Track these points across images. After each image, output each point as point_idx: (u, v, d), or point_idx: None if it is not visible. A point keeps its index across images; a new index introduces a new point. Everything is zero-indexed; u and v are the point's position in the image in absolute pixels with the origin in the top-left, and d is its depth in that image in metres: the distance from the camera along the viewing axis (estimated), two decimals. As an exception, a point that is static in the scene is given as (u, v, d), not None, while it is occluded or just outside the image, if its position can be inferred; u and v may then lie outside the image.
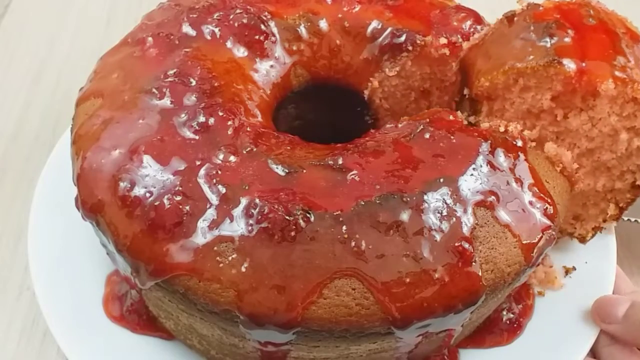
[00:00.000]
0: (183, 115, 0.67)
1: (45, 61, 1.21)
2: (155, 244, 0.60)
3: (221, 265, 0.59)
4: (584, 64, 0.64)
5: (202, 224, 0.60)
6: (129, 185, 0.62)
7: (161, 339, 0.76)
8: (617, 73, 0.64)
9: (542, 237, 0.63)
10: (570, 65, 0.64)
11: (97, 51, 0.83)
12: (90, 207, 0.64)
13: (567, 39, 0.67)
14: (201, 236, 0.60)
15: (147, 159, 0.64)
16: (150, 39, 0.76)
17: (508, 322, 0.77)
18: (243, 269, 0.58)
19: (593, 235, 0.79)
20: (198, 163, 0.63)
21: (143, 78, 0.72)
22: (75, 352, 0.72)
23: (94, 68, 0.77)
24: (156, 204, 0.61)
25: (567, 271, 0.82)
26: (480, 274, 0.60)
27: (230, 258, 0.58)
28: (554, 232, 0.65)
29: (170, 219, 0.60)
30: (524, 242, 0.63)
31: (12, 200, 0.97)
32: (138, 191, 0.62)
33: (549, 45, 0.66)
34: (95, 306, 0.77)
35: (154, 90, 0.69)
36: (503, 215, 0.62)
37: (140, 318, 0.76)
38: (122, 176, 0.63)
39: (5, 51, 1.22)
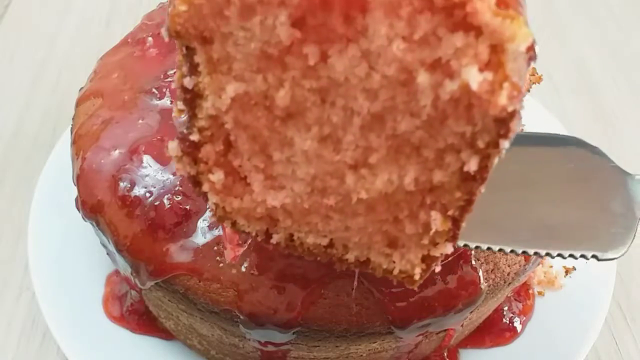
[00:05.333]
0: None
1: (45, 61, 1.21)
2: (155, 244, 0.60)
3: (221, 265, 0.59)
4: None
5: (202, 223, 0.60)
6: (129, 185, 0.62)
7: (161, 339, 0.76)
8: None
9: (542, 237, 0.63)
10: None
11: (97, 51, 0.83)
12: (90, 207, 0.64)
13: None
14: (201, 236, 0.60)
15: (147, 159, 0.64)
16: (150, 39, 0.76)
17: (508, 322, 0.77)
18: (243, 269, 0.58)
19: (425, 272, 0.47)
20: (198, 163, 0.63)
21: (143, 78, 0.72)
22: (75, 352, 0.72)
23: (94, 68, 0.77)
24: (156, 203, 0.61)
25: (567, 271, 0.82)
26: (480, 273, 0.60)
27: (230, 258, 0.58)
28: (554, 232, 0.65)
29: (170, 218, 0.60)
30: (524, 242, 0.63)
31: (12, 200, 0.97)
32: (138, 191, 0.62)
33: None
34: (95, 306, 0.77)
35: (154, 90, 0.70)
36: (503, 215, 0.62)
37: (140, 318, 0.76)
38: (122, 176, 0.63)
39: (5, 51, 1.22)
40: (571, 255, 0.53)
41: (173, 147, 0.46)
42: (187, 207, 0.60)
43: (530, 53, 0.35)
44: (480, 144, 0.38)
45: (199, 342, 0.72)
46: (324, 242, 0.49)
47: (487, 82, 0.35)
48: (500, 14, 0.33)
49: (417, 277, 0.47)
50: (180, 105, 0.45)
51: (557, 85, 1.20)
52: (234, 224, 0.49)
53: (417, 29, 0.36)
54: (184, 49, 0.42)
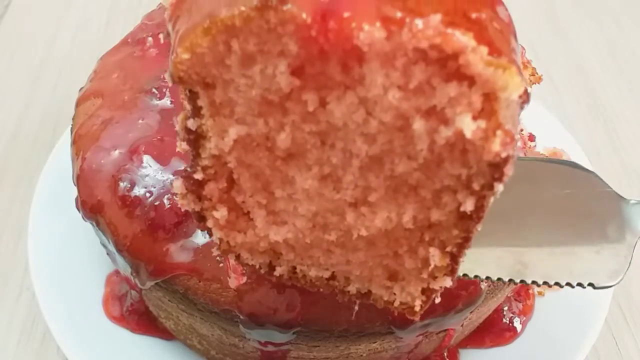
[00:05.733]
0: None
1: (45, 61, 1.21)
2: (155, 244, 0.60)
3: (221, 265, 0.59)
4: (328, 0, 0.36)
5: (202, 223, 0.60)
6: (129, 185, 0.62)
7: (161, 339, 0.76)
8: (387, 10, 0.35)
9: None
10: (302, 4, 0.36)
11: (97, 51, 0.83)
12: (90, 207, 0.64)
13: None
14: (201, 236, 0.60)
15: (147, 159, 0.64)
16: (150, 39, 0.76)
17: (508, 322, 0.77)
18: (243, 269, 0.58)
19: (425, 303, 0.48)
20: (198, 163, 0.63)
21: (143, 78, 0.72)
22: (75, 352, 0.72)
23: (94, 68, 0.77)
24: (156, 203, 0.61)
25: (567, 271, 0.82)
26: (480, 273, 0.60)
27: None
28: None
29: (170, 218, 0.60)
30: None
31: (12, 200, 0.97)
32: (138, 191, 0.62)
33: None
34: (95, 306, 0.77)
35: (154, 90, 0.70)
36: (503, 215, 0.62)
37: (140, 318, 0.76)
38: (122, 176, 0.63)
39: (5, 51, 1.22)
40: (568, 284, 0.53)
41: (177, 185, 0.47)
42: (187, 207, 0.60)
43: (524, 98, 0.35)
44: (476, 186, 0.39)
45: (199, 342, 0.72)
46: (326, 274, 0.51)
47: (480, 129, 0.36)
48: (492, 64, 0.34)
49: (417, 308, 0.48)
50: (184, 145, 0.46)
51: (557, 85, 1.20)
52: (237, 257, 0.51)
53: (412, 78, 0.37)
54: (187, 92, 0.43)
